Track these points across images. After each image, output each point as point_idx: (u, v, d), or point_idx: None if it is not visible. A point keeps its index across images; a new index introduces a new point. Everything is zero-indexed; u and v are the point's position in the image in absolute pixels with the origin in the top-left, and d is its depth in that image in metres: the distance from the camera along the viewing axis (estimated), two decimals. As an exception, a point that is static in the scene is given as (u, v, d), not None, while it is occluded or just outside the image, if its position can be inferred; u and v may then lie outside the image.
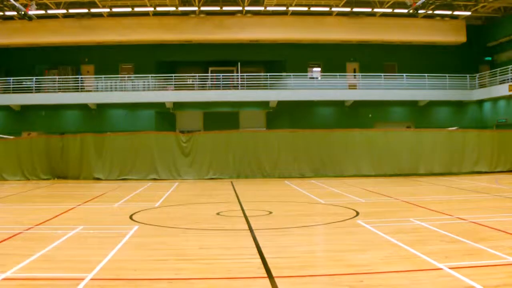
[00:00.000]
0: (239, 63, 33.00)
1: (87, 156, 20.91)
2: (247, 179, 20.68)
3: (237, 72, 33.15)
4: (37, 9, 28.02)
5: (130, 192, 15.29)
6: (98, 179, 20.64)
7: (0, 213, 11.21)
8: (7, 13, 29.19)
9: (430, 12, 31.21)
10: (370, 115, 32.83)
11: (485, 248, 6.57)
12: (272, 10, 32.19)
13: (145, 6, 30.68)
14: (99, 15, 31.87)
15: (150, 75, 32.99)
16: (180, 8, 31.23)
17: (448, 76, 33.04)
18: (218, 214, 10.55)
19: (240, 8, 31.53)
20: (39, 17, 29.97)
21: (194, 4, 30.73)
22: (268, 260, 6.19)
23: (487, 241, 7.00)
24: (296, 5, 31.20)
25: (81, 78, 32.88)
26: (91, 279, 5.38)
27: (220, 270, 5.85)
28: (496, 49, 34.18)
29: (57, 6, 30.29)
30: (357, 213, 10.15)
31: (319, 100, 32.58)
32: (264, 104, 32.94)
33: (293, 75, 33.12)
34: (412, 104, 33.70)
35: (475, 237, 7.36)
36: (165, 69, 33.60)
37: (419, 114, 33.66)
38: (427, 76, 32.88)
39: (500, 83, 30.57)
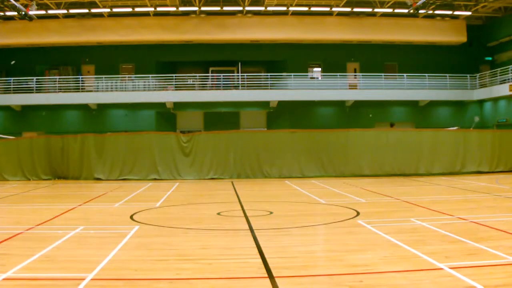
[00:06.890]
0: (239, 63, 33.01)
1: (88, 156, 20.91)
2: (247, 179, 20.67)
3: (238, 72, 33.16)
4: (37, 9, 28.01)
5: (131, 192, 15.29)
6: (99, 179, 20.64)
7: (0, 213, 11.21)
8: (8, 13, 29.20)
9: (430, 12, 31.22)
10: (370, 115, 32.82)
11: (486, 248, 6.57)
12: (273, 10, 32.20)
13: (146, 6, 30.69)
14: (100, 15, 31.89)
15: (150, 75, 33.01)
16: (181, 8, 31.24)
17: (449, 76, 33.04)
18: (218, 214, 10.55)
19: (240, 8, 31.53)
20: (40, 17, 29.98)
21: (194, 4, 30.73)
22: (269, 260, 6.19)
23: (487, 241, 6.99)
24: (296, 5, 31.19)
25: (82, 78, 32.90)
26: (91, 279, 5.39)
27: (220, 270, 5.86)
28: (497, 49, 34.18)
29: (58, 6, 30.31)
30: (358, 213, 10.14)
31: (319, 100, 32.58)
32: (264, 104, 32.96)
33: (293, 75, 33.11)
34: (412, 104, 33.72)
35: (476, 237, 7.35)
36: (165, 69, 33.63)
37: (419, 114, 33.67)
38: (428, 76, 32.89)
39: (501, 83, 30.58)
